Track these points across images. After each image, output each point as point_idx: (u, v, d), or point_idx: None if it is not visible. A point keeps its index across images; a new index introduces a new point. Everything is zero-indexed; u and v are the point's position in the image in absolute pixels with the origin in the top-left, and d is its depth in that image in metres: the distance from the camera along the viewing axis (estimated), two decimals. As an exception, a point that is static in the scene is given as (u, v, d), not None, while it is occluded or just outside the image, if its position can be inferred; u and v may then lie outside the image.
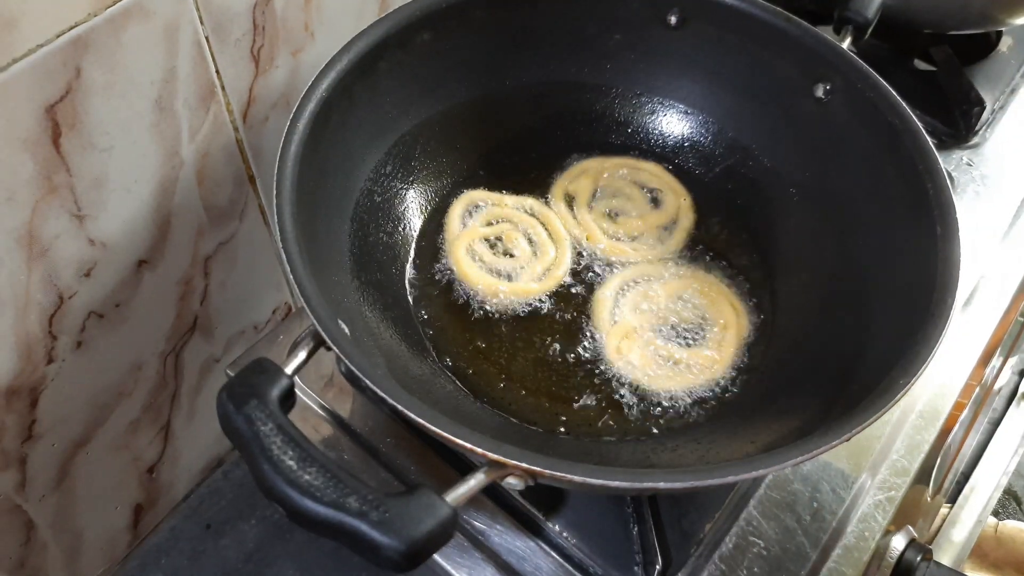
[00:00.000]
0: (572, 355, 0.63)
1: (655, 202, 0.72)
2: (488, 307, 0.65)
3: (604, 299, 0.65)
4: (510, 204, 0.70)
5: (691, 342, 0.64)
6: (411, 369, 0.59)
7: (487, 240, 0.68)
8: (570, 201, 0.71)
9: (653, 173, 0.73)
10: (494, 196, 0.70)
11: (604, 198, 0.72)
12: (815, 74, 0.65)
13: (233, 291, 0.71)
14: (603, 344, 0.63)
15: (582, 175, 0.72)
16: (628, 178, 0.73)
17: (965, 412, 0.76)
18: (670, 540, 0.59)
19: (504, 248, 0.68)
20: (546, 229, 0.69)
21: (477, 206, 0.70)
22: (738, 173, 0.71)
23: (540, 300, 0.66)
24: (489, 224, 0.69)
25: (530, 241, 0.68)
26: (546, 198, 0.71)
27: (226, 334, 0.73)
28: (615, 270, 0.68)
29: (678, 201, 0.71)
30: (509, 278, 0.66)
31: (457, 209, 0.69)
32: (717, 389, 0.62)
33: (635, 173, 0.73)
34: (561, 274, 0.67)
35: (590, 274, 0.67)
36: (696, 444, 0.58)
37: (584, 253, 0.69)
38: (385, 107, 0.64)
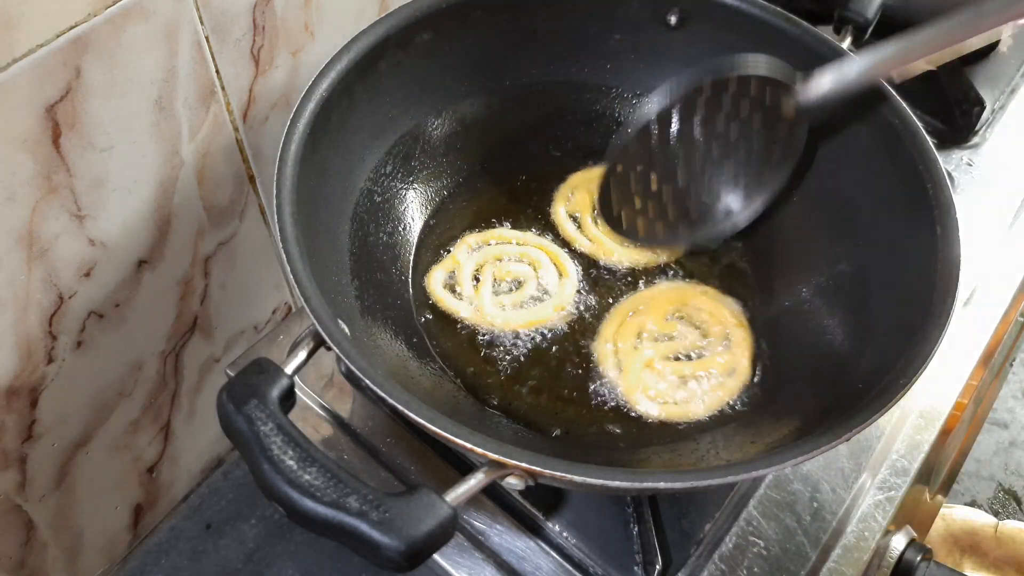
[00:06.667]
0: (573, 355, 0.63)
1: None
2: (488, 307, 0.65)
3: (611, 312, 0.65)
4: (507, 238, 0.68)
5: (698, 357, 0.63)
6: (411, 369, 0.59)
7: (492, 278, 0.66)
8: (575, 220, 0.70)
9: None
10: (489, 234, 0.68)
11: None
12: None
13: (233, 291, 0.71)
14: (606, 345, 0.63)
15: (576, 191, 0.71)
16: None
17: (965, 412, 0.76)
18: (670, 540, 0.59)
19: (507, 278, 0.66)
20: (547, 255, 0.68)
21: (474, 249, 0.68)
22: (738, 173, 0.71)
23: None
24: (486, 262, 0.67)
25: (535, 270, 0.67)
26: (547, 214, 0.70)
27: (226, 334, 0.73)
28: (619, 289, 0.67)
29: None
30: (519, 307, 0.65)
31: (461, 247, 0.67)
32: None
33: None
34: (566, 299, 0.66)
35: (595, 286, 0.67)
36: (695, 444, 0.58)
37: (593, 268, 0.68)
38: (385, 107, 0.64)
